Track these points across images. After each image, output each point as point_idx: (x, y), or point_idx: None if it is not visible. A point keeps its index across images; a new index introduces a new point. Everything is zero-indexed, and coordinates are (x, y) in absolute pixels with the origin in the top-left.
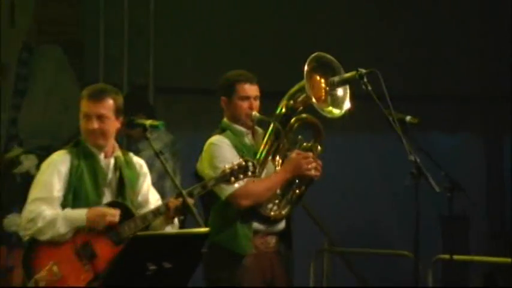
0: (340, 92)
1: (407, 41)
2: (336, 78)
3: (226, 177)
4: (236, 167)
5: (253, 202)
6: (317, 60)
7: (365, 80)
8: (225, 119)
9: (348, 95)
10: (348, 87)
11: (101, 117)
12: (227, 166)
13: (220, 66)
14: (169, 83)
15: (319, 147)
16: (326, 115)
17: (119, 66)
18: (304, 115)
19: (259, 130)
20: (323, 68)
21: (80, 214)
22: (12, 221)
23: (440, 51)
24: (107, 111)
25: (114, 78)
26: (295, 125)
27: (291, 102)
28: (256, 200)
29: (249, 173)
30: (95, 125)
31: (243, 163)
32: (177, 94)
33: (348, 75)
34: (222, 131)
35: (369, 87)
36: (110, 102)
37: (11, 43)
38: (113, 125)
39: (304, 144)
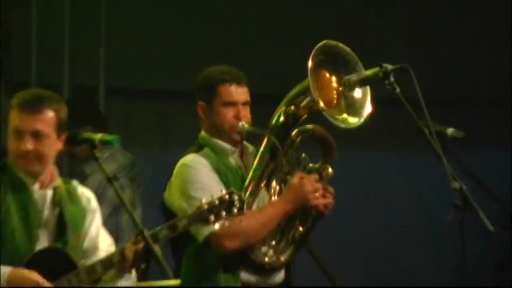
0: (357, 93)
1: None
2: (354, 77)
3: (203, 216)
4: (217, 201)
5: (241, 244)
6: (325, 52)
7: (391, 79)
8: (203, 132)
9: (369, 98)
10: (368, 88)
11: (37, 135)
12: (204, 201)
13: (197, 63)
14: (127, 83)
15: (329, 170)
16: (339, 125)
17: (57, 62)
18: (309, 126)
19: (250, 147)
20: (334, 62)
21: (2, 274)
22: None
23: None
24: (46, 126)
25: (51, 77)
26: (298, 139)
27: (292, 108)
28: (246, 241)
29: (234, 211)
30: (29, 145)
31: (226, 197)
32: (137, 98)
33: (369, 72)
34: (199, 148)
35: (397, 89)
36: (50, 114)
37: None
38: (53, 145)
39: (310, 165)
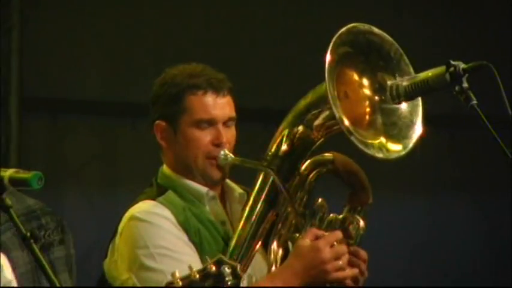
0: (403, 107)
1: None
2: (404, 82)
3: None
4: (198, 276)
5: None
6: (353, 41)
7: (464, 84)
8: (165, 168)
9: (420, 113)
10: (419, 99)
11: None
12: (178, 275)
13: (147, 68)
14: (51, 92)
15: (361, 222)
16: (374, 155)
17: None
18: (328, 155)
19: (236, 189)
20: (366, 58)
21: None
22: None
23: None
24: None
25: None
26: (311, 175)
27: (300, 129)
28: None
29: None
30: None
31: (213, 269)
32: (68, 113)
33: (428, 74)
34: (159, 191)
35: (473, 101)
36: None
37: None
38: None
39: (331, 216)
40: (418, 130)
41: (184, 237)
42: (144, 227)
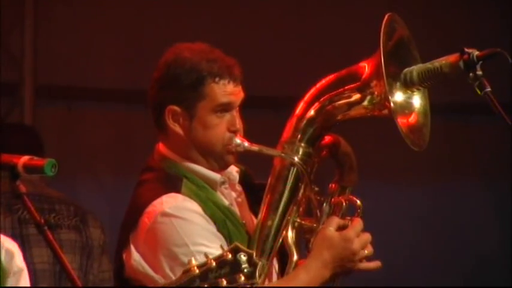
0: (416, 101)
1: None
2: (417, 69)
3: (193, 286)
4: (214, 264)
5: None
6: (396, 31)
7: (478, 71)
8: (167, 152)
9: (427, 103)
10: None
11: None
12: (195, 263)
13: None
14: (65, 80)
15: (358, 202)
16: (413, 143)
17: None
18: (330, 138)
19: (233, 170)
20: (394, 47)
21: None
22: None
23: None
24: None
25: None
26: (316, 158)
27: (318, 114)
28: None
29: (241, 278)
30: None
31: (229, 256)
32: (82, 101)
33: (441, 62)
34: (172, 180)
35: (487, 88)
36: None
37: None
38: None
39: (341, 198)
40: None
41: (215, 231)
42: (179, 224)
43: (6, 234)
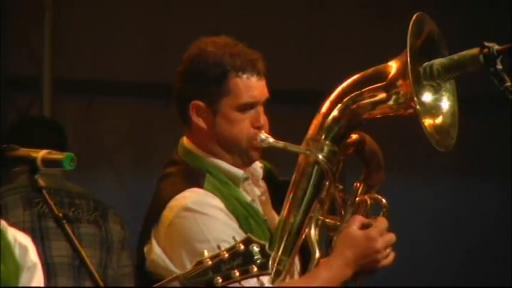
0: (444, 102)
1: None
2: (438, 63)
3: (205, 276)
4: (226, 255)
5: None
6: (423, 33)
7: (498, 66)
8: (191, 146)
9: (456, 104)
10: (453, 82)
11: None
12: (207, 253)
13: (181, 49)
14: (84, 74)
15: (383, 201)
16: (432, 139)
17: None
18: (357, 136)
19: (257, 165)
20: (422, 46)
21: None
22: None
23: None
24: None
25: None
26: (342, 156)
27: (345, 112)
28: None
29: (254, 269)
30: None
31: (241, 247)
32: (101, 95)
33: (462, 55)
34: (195, 175)
35: (508, 82)
36: None
37: None
38: None
39: (366, 197)
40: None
41: (237, 227)
42: (202, 220)
43: (25, 227)
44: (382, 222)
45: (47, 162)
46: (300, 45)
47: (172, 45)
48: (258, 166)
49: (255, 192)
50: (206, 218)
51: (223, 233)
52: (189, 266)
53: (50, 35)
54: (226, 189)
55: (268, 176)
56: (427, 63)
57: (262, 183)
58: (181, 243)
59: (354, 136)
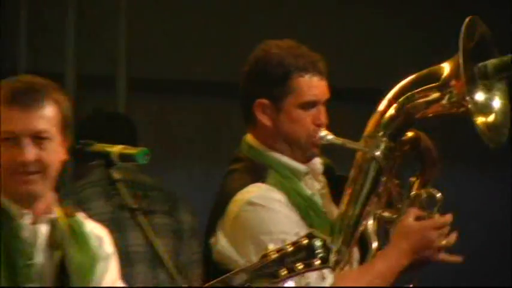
0: (496, 101)
1: None
2: (492, 63)
3: (271, 269)
4: (290, 249)
5: None
6: (475, 35)
7: None
8: (253, 142)
9: (507, 103)
10: (504, 83)
11: (40, 139)
12: (271, 247)
13: (246, 51)
14: (157, 73)
15: (438, 195)
16: (485, 136)
17: (57, 46)
18: (412, 134)
19: (317, 162)
20: (475, 48)
21: None
22: None
23: None
24: (49, 125)
25: (48, 65)
26: (399, 153)
27: (400, 110)
28: None
29: (316, 262)
30: (31, 153)
31: (304, 242)
32: (168, 93)
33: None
34: (259, 170)
35: None
36: (52, 109)
37: None
38: (58, 153)
39: (421, 191)
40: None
41: (298, 219)
42: (264, 213)
43: (105, 218)
44: (439, 218)
45: (122, 156)
46: (361, 45)
47: (241, 47)
48: (318, 162)
49: (315, 186)
50: (269, 211)
51: (284, 225)
52: (253, 257)
53: (125, 35)
54: (288, 183)
55: (327, 172)
56: (481, 63)
57: (322, 178)
58: (246, 235)
59: (410, 134)
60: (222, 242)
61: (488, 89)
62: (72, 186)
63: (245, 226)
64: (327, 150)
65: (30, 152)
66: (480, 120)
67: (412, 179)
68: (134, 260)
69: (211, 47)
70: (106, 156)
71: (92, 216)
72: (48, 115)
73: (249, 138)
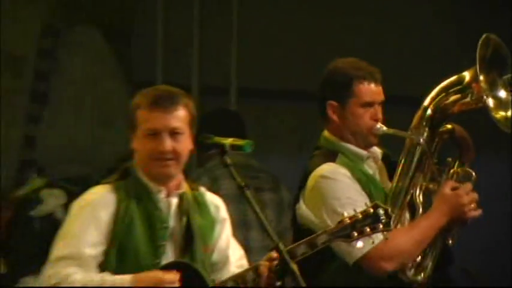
0: (502, 93)
1: None
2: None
3: (345, 232)
4: (360, 216)
5: (398, 264)
6: (490, 47)
7: None
8: (328, 135)
9: None
10: None
11: (175, 134)
12: (346, 215)
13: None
14: (260, 83)
15: (473, 174)
16: (504, 126)
17: (184, 61)
18: (449, 126)
19: (378, 150)
20: (491, 62)
21: (123, 282)
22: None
23: None
24: (182, 123)
25: (178, 78)
26: (440, 140)
27: (440, 104)
28: (403, 261)
29: (380, 226)
30: (168, 144)
31: (371, 210)
32: (271, 100)
33: None
34: (331, 155)
35: None
36: (184, 110)
37: (28, 26)
38: (188, 144)
39: (458, 170)
40: None
41: (360, 190)
42: (335, 183)
43: (231, 194)
44: (467, 185)
45: (233, 146)
46: (418, 56)
47: (322, 57)
48: (378, 151)
49: (375, 168)
50: (336, 182)
51: (349, 193)
52: (325, 218)
53: (236, 50)
54: (353, 164)
55: (385, 158)
56: (506, 76)
57: (380, 163)
58: (320, 202)
59: (448, 126)
60: (302, 208)
61: (507, 89)
62: (205, 169)
63: (319, 195)
64: (384, 141)
65: (168, 144)
66: (500, 114)
67: (451, 159)
68: (250, 226)
69: (304, 62)
70: (221, 146)
71: (220, 191)
72: (181, 115)
73: (325, 132)
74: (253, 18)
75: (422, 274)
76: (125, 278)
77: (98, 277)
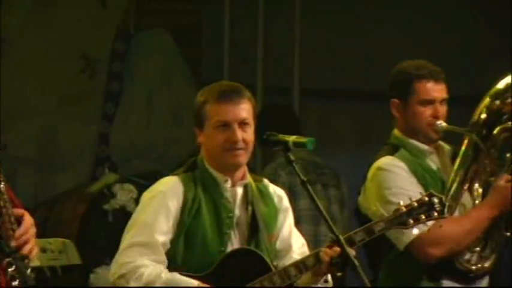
0: None
1: None
2: None
3: (401, 219)
4: (415, 204)
5: (447, 251)
6: None
7: None
8: (396, 131)
9: None
10: None
11: (243, 124)
12: (402, 203)
13: (395, 63)
14: (322, 84)
15: None
16: None
17: (250, 61)
18: (509, 124)
19: (445, 146)
20: None
21: (188, 283)
22: (102, 277)
23: None
24: (248, 115)
25: (243, 78)
26: (501, 137)
27: (496, 103)
28: (452, 249)
29: (434, 214)
30: (239, 134)
31: (426, 199)
32: (334, 100)
33: None
34: (394, 148)
35: None
36: (249, 103)
37: (101, 29)
38: (252, 135)
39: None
40: None
41: (414, 181)
42: (389, 174)
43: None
44: None
45: (295, 143)
46: (473, 55)
47: (391, 58)
48: (446, 147)
49: (438, 163)
50: (390, 173)
51: (401, 183)
52: (379, 207)
53: (299, 51)
54: (414, 158)
55: (454, 155)
56: None
57: (447, 159)
58: (374, 191)
59: (509, 123)
60: (362, 197)
61: None
62: (279, 164)
63: (374, 184)
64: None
65: (239, 134)
66: None
67: (508, 155)
68: (319, 220)
69: (366, 62)
70: (285, 143)
71: (297, 186)
72: (247, 107)
73: (395, 129)
74: (315, 19)
75: (484, 263)
76: (192, 283)
77: (167, 274)
